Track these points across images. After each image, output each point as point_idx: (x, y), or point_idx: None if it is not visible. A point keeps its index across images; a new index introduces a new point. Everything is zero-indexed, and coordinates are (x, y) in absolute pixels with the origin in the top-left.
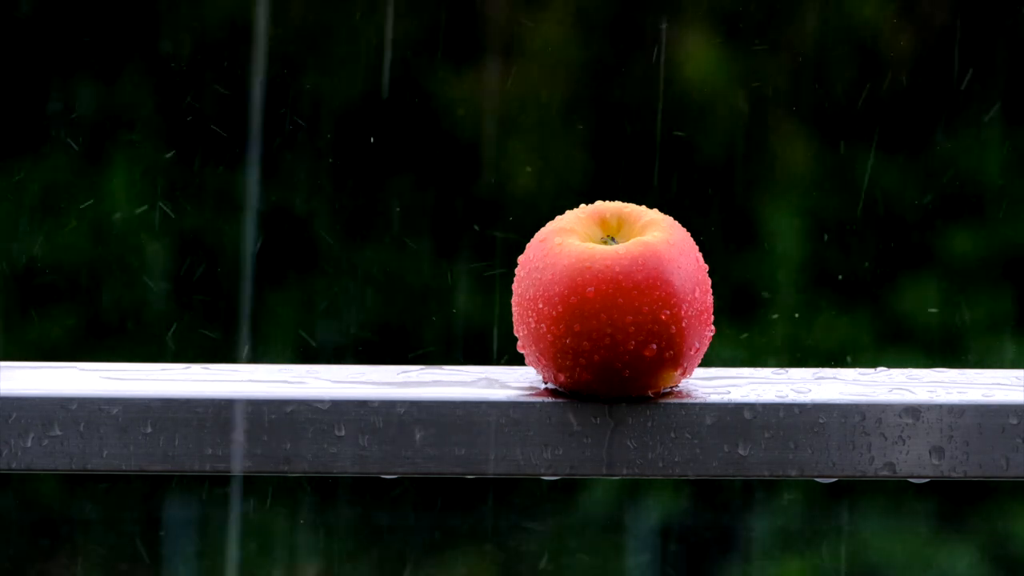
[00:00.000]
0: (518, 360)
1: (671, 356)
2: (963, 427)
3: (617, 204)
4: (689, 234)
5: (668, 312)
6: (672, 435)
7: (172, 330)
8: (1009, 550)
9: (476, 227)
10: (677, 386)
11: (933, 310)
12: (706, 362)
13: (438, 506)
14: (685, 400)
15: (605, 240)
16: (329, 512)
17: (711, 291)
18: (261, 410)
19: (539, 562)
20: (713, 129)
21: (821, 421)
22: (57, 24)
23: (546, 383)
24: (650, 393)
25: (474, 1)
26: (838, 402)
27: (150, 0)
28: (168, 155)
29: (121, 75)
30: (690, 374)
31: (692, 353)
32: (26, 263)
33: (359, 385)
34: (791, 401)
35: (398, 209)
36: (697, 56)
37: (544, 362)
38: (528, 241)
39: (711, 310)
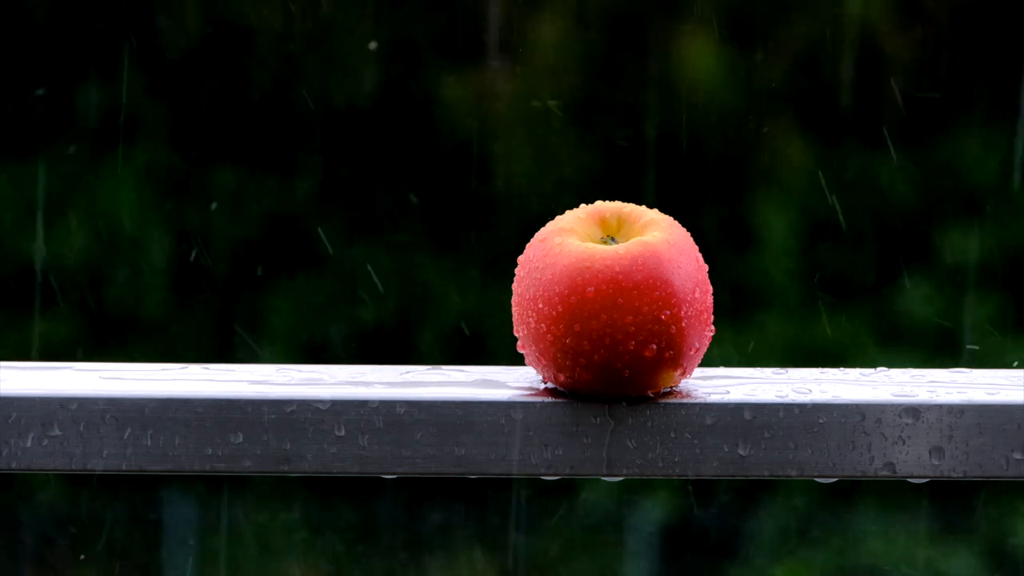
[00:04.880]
0: (518, 360)
1: (671, 356)
2: (963, 427)
3: (617, 204)
4: (689, 234)
5: (668, 312)
6: (672, 435)
7: (172, 330)
8: (1009, 550)
9: (476, 227)
10: (677, 386)
11: (932, 310)
12: (706, 362)
13: (438, 506)
14: (685, 400)
15: (605, 240)
16: (328, 512)
17: (711, 291)
18: (261, 410)
19: (539, 562)
20: (712, 129)
21: (821, 421)
22: (58, 24)
23: (546, 383)
24: (650, 393)
25: (474, 1)
26: (838, 402)
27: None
28: (168, 154)
29: (123, 74)
30: (690, 374)
31: (692, 353)
32: (27, 263)
33: (359, 385)
34: (791, 401)
35: (398, 209)
36: (697, 56)
37: (544, 362)
38: (528, 241)
39: (711, 310)
